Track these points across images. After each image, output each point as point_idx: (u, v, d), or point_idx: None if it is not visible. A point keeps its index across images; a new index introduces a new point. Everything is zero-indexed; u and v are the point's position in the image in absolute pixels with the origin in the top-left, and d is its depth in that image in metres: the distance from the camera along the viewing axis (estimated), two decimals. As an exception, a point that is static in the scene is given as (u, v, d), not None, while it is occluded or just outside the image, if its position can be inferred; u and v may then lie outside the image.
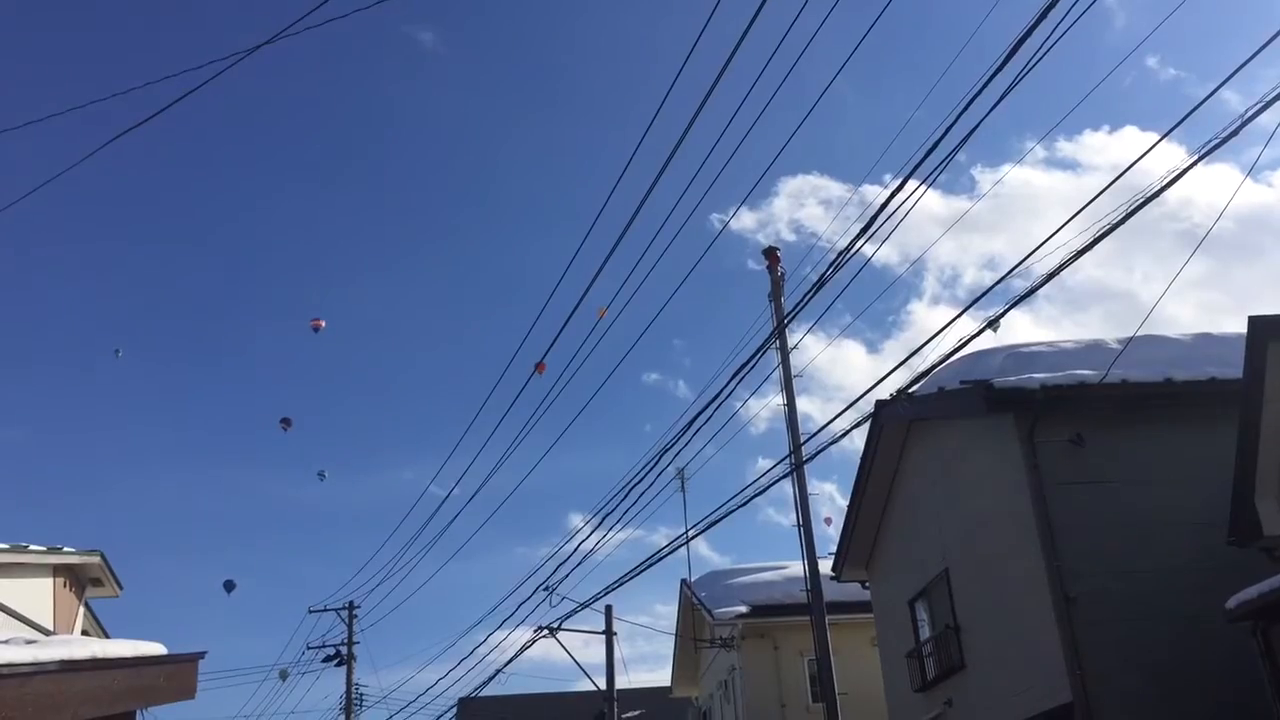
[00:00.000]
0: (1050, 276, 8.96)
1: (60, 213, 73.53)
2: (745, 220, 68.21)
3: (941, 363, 10.44)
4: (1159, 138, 8.38)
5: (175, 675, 8.31)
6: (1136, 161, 8.39)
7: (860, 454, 17.22)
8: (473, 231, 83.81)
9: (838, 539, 18.86)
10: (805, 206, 78.44)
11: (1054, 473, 12.31)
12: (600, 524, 15.72)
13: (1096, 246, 8.54)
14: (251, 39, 9.57)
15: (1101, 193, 8.49)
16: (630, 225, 11.43)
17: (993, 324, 9.87)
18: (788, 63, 9.46)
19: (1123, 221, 8.37)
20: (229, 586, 34.00)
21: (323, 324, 30.59)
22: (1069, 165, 77.85)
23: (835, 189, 79.00)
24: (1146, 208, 8.21)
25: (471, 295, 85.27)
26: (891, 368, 17.73)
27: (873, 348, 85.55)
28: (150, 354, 77.01)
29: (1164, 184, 8.03)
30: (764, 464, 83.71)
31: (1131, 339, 12.82)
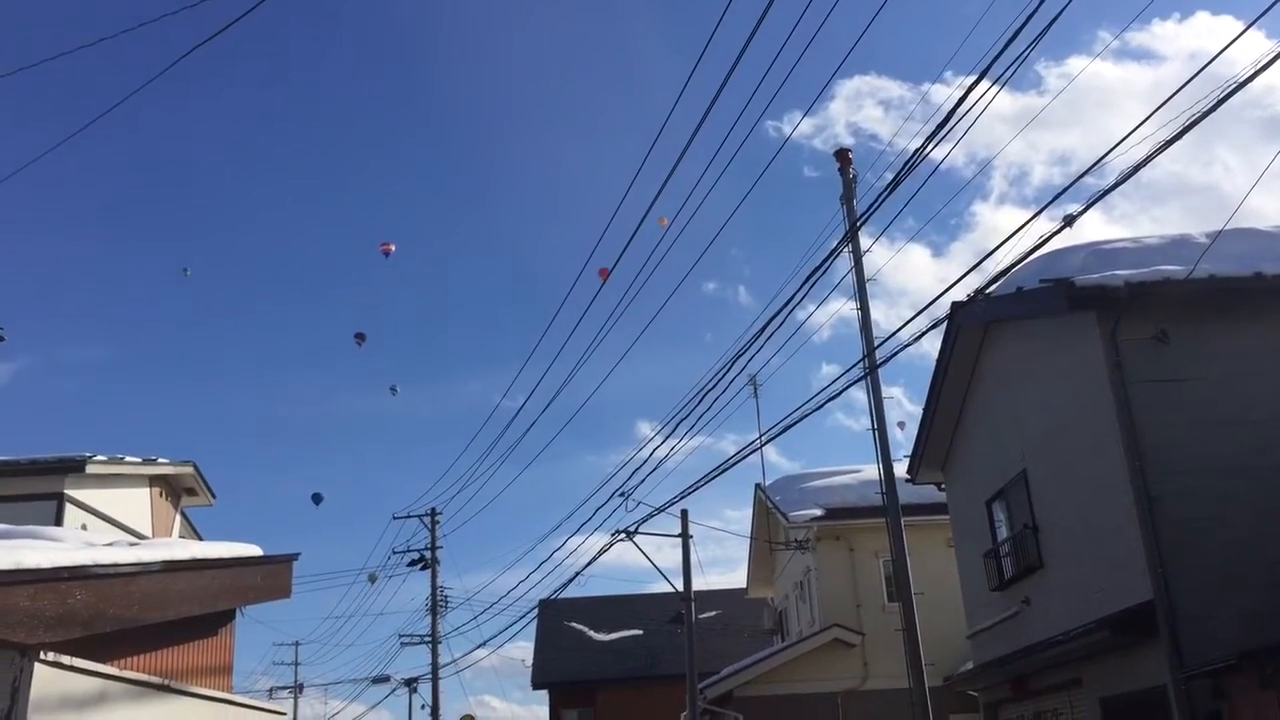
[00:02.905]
0: (1136, 169, 8.63)
1: (126, 135, 74.76)
2: (801, 126, 66.91)
3: (1019, 262, 10.20)
4: (1245, 25, 7.97)
5: (271, 575, 8.67)
6: (1224, 50, 8.02)
7: (934, 358, 17.07)
8: (533, 148, 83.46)
9: (912, 442, 18.84)
10: (863, 109, 76.59)
11: (1137, 371, 12.07)
12: (674, 431, 15.83)
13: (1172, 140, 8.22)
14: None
15: (1188, 82, 8.12)
16: (695, 137, 11.27)
17: (1070, 221, 9.62)
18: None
19: (1212, 110, 8.03)
20: (317, 499, 35.14)
21: (393, 248, 31.03)
22: (1140, 56, 74.84)
23: (894, 89, 77.06)
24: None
25: (527, 210, 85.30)
26: (965, 270, 17.39)
27: (937, 250, 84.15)
28: (222, 272, 78.64)
29: (1255, 71, 7.66)
30: (829, 370, 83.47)
31: (1220, 233, 12.41)
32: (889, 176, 10.85)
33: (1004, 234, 9.83)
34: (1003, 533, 15.83)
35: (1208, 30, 72.00)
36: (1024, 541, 14.70)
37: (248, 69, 78.83)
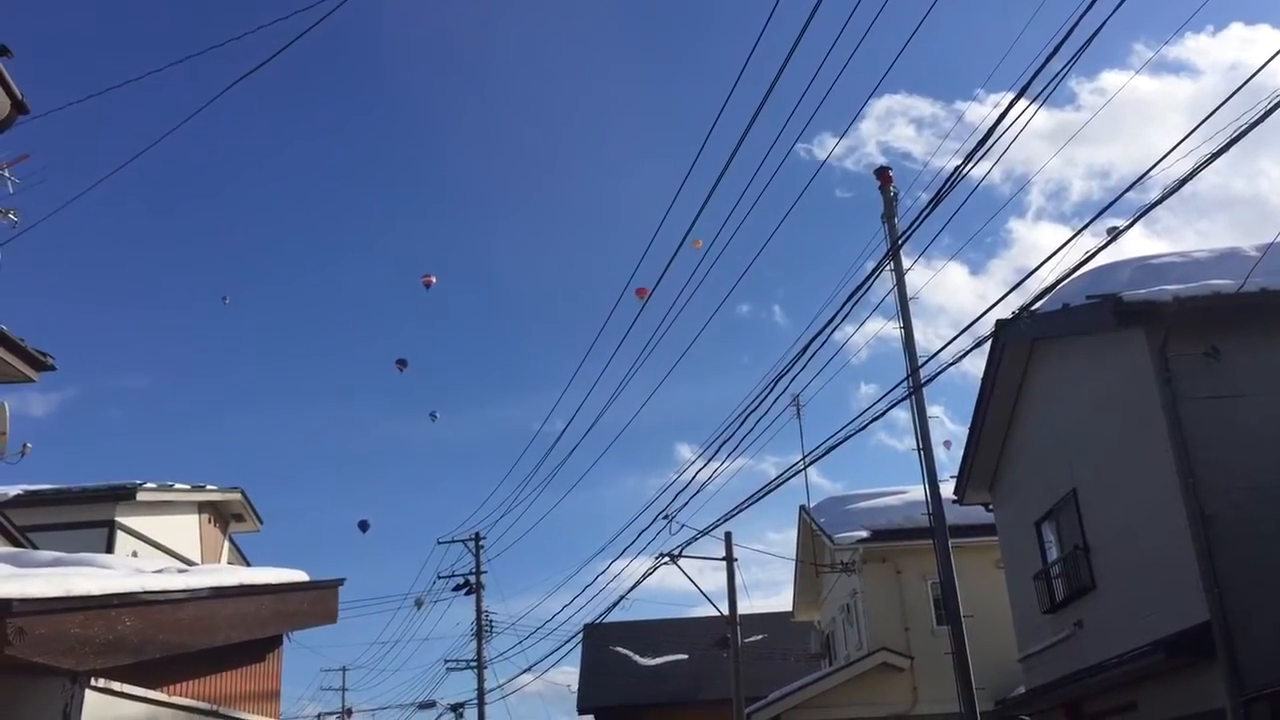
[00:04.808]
0: (1182, 183, 8.54)
1: (168, 169, 76.11)
2: (831, 146, 66.92)
3: (1065, 278, 10.08)
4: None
5: (318, 600, 8.72)
6: (1269, 62, 7.93)
7: (976, 377, 16.90)
8: (572, 174, 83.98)
9: (959, 462, 18.62)
10: (895, 128, 76.30)
11: (1188, 388, 11.87)
12: (716, 453, 15.75)
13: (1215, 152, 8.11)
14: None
15: (1234, 94, 8.02)
16: (731, 161, 11.29)
17: (1116, 234, 9.51)
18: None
19: (1259, 122, 7.93)
20: (364, 526, 35.37)
21: (434, 280, 31.62)
22: (1175, 69, 74.06)
23: (925, 108, 76.69)
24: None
25: (566, 235, 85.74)
26: (1009, 288, 17.27)
27: (975, 268, 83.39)
28: (260, 300, 79.65)
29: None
30: (868, 390, 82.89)
31: (1271, 245, 12.20)
32: (923, 196, 10.79)
33: (1042, 250, 9.86)
34: (1053, 554, 15.59)
35: (1243, 41, 71.13)
36: (1075, 562, 14.45)
37: (291, 98, 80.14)
